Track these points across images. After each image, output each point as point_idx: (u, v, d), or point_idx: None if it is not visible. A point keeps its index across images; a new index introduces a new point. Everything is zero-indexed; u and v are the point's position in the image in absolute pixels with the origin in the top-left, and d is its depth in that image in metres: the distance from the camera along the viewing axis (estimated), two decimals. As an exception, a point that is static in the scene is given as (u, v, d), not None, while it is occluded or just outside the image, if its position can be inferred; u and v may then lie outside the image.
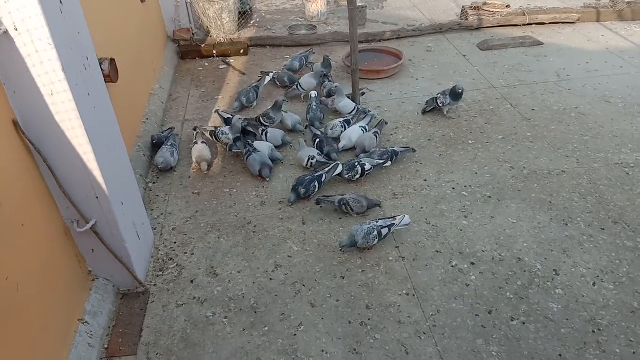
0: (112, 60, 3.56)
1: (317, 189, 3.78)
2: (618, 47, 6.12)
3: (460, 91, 4.63)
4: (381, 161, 3.96)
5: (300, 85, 5.19)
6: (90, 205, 2.75)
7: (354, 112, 4.67)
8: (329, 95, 4.98)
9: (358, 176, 3.92)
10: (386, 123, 4.53)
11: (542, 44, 6.27)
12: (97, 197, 2.73)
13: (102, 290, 3.09)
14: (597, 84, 5.30)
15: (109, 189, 2.73)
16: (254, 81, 5.30)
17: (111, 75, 3.53)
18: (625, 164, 4.07)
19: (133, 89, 4.55)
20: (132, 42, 4.74)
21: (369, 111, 4.64)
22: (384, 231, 3.32)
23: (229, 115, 4.67)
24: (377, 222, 3.36)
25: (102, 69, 3.45)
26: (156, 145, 4.38)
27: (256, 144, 4.24)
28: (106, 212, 2.79)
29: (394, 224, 3.38)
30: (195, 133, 4.40)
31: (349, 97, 4.86)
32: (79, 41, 2.48)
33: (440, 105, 4.73)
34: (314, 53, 5.98)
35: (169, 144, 4.27)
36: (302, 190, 3.72)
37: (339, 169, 3.89)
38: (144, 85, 5.00)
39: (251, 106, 5.09)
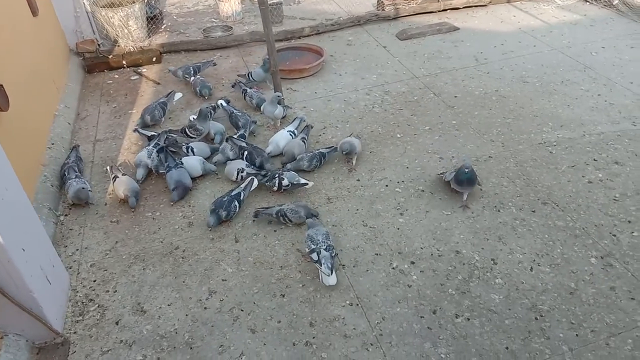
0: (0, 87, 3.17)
1: (237, 209, 3.55)
2: (529, 26, 6.32)
3: (466, 173, 3.45)
4: (302, 182, 3.76)
5: (251, 75, 5.07)
6: (-17, 257, 2.41)
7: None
8: (258, 106, 4.75)
9: (275, 188, 3.76)
10: (311, 127, 4.38)
11: (458, 29, 6.35)
12: (-9, 248, 2.38)
13: (14, 347, 2.74)
14: (514, 64, 5.43)
15: (4, 236, 2.39)
16: (161, 96, 4.91)
17: (0, 103, 3.15)
18: (548, 143, 4.16)
19: (32, 113, 4.11)
20: (26, 62, 4.28)
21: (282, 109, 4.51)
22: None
23: (153, 133, 4.32)
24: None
25: (-14, 98, 3.07)
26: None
27: (185, 159, 3.96)
28: (4, 262, 2.45)
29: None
30: (110, 168, 3.93)
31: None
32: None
33: (445, 180, 3.72)
34: (214, 64, 5.58)
35: (72, 176, 3.80)
36: (224, 213, 3.47)
37: (255, 184, 3.71)
38: (45, 107, 4.54)
39: (157, 124, 4.70)
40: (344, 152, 3.93)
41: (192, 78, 5.17)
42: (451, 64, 5.54)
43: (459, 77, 5.25)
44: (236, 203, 3.52)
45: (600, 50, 5.62)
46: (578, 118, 4.46)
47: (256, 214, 3.54)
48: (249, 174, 3.83)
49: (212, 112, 4.37)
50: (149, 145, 4.08)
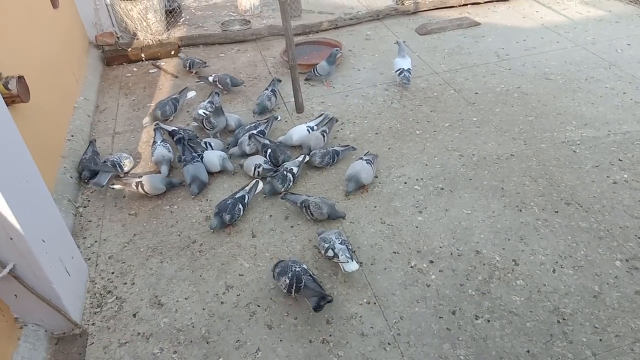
0: (20, 78, 3.18)
1: (242, 212, 3.48)
2: (553, 21, 6.18)
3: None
4: (300, 158, 3.83)
5: (316, 70, 5.07)
6: (4, 248, 2.42)
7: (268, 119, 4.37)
8: (258, 106, 4.69)
9: (291, 183, 3.73)
10: (336, 120, 4.34)
11: (479, 24, 6.24)
12: (12, 239, 2.40)
13: (33, 337, 2.76)
14: (536, 61, 5.32)
15: (25, 227, 2.40)
16: (174, 93, 4.89)
17: (20, 94, 3.16)
18: (572, 142, 4.07)
19: (52, 105, 4.14)
20: (46, 53, 4.30)
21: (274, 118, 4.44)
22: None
23: (174, 128, 4.28)
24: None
25: (9, 89, 3.08)
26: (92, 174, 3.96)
27: (206, 154, 3.94)
28: (24, 253, 2.47)
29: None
30: (118, 181, 3.81)
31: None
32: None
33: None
34: (206, 65, 5.55)
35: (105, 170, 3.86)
36: (227, 217, 3.39)
37: (260, 186, 3.69)
38: (65, 99, 4.57)
39: (167, 120, 4.67)
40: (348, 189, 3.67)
41: (214, 75, 5.10)
42: (472, 59, 5.45)
43: (479, 73, 5.16)
44: (240, 206, 3.45)
45: (626, 47, 5.48)
46: (602, 117, 4.35)
47: (283, 196, 3.55)
48: (265, 169, 3.80)
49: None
50: (155, 142, 4.09)
